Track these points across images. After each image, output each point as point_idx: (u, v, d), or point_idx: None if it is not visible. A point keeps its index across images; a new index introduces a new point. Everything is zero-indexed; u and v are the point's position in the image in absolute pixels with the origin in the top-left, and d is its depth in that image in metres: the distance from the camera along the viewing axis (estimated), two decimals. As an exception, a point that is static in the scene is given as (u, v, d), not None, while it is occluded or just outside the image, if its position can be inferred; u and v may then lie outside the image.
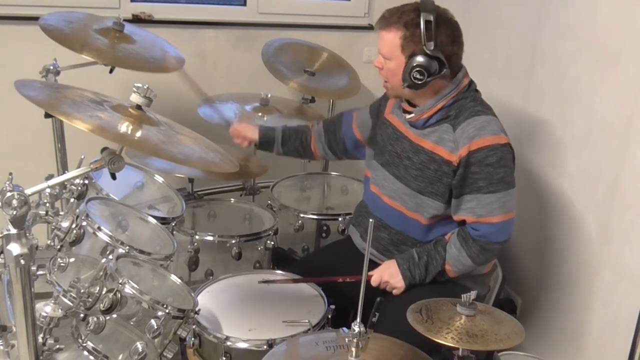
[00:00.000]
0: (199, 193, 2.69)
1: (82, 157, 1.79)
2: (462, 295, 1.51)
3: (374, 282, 1.99)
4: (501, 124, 1.94)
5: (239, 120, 2.50)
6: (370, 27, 3.18)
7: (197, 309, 1.71)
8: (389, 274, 1.99)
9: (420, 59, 1.87)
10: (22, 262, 1.34)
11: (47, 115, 1.89)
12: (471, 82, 1.99)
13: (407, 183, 2.01)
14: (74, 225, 1.68)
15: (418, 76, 1.87)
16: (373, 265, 2.04)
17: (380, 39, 1.94)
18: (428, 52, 1.86)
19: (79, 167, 1.74)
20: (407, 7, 1.90)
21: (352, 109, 2.34)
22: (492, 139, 1.88)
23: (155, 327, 1.54)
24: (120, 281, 1.54)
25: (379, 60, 1.97)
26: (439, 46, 1.86)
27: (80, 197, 1.85)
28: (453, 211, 1.96)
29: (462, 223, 1.97)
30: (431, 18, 1.84)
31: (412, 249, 2.02)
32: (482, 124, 1.89)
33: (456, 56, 1.92)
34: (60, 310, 1.61)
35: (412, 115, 1.99)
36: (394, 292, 2.00)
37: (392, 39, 1.90)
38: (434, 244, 1.99)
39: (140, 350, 1.53)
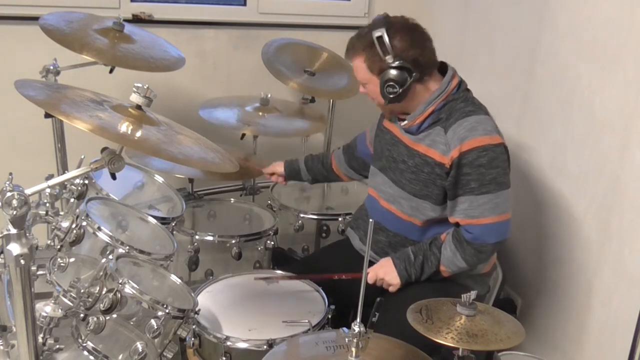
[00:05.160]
0: (199, 193, 2.69)
1: (82, 157, 1.79)
2: (462, 295, 1.51)
3: (370, 279, 2.00)
4: (495, 123, 1.94)
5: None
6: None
7: (197, 309, 1.71)
8: (384, 272, 2.00)
9: (386, 74, 1.90)
10: (22, 262, 1.34)
11: (47, 115, 1.89)
12: (461, 83, 1.99)
13: (403, 186, 2.02)
14: (74, 225, 1.68)
15: (391, 90, 1.90)
16: (371, 266, 2.04)
17: (353, 69, 2.00)
18: (391, 65, 1.88)
19: (79, 167, 1.74)
20: (362, 31, 1.95)
21: (366, 129, 2.36)
22: (483, 140, 1.88)
23: (155, 327, 1.55)
24: (120, 281, 1.54)
25: (361, 87, 2.03)
26: (399, 55, 1.88)
27: (80, 197, 1.85)
28: (448, 213, 1.97)
29: (458, 225, 1.97)
30: (380, 33, 1.87)
31: (408, 247, 2.02)
32: (472, 124, 1.89)
33: (423, 57, 1.92)
34: (60, 310, 1.61)
35: (406, 122, 2.00)
36: (390, 289, 2.01)
37: (359, 65, 1.96)
38: (429, 243, 1.99)
39: (140, 350, 1.53)
